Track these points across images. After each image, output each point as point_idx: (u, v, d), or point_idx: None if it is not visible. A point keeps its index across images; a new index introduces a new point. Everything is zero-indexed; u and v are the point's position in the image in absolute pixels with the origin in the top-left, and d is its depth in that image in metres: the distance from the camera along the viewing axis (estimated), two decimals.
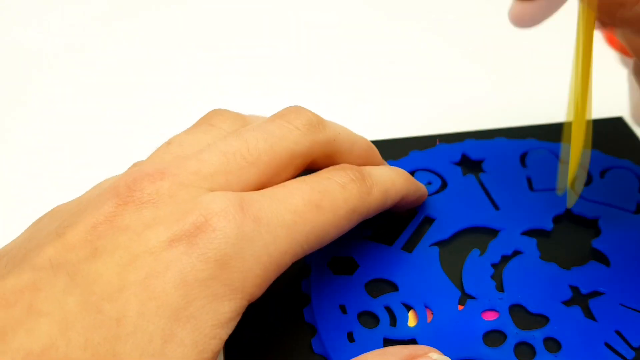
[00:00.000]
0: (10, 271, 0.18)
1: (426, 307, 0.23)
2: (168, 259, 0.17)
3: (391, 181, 0.23)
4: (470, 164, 0.29)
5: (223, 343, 0.18)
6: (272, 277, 0.19)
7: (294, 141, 0.22)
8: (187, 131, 0.23)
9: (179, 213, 0.18)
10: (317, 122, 0.22)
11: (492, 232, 0.26)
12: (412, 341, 0.22)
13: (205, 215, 0.18)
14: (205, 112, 0.36)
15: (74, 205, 0.21)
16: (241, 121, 0.23)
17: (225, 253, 0.18)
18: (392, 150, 0.28)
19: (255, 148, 0.21)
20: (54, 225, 0.19)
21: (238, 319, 0.18)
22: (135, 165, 0.22)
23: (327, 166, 0.23)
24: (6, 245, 0.20)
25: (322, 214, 0.20)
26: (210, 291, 0.17)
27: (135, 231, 0.18)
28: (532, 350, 0.22)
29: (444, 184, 0.28)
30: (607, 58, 0.38)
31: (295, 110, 0.23)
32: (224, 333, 0.18)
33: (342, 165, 0.22)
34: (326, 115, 0.35)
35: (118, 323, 0.17)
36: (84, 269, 0.17)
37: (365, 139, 0.25)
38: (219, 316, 0.18)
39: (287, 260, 0.19)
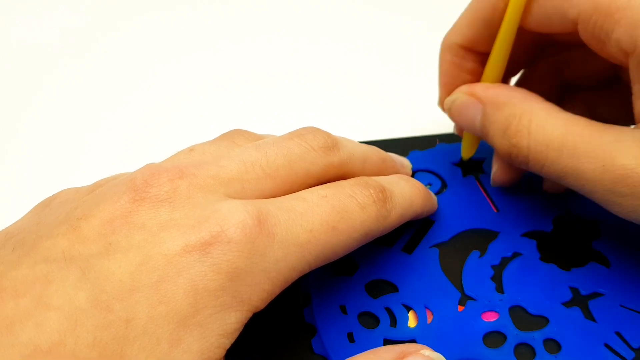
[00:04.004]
0: (22, 260, 0.17)
1: (426, 308, 0.23)
2: (181, 264, 0.17)
3: (410, 202, 0.24)
4: (470, 164, 0.29)
5: (225, 351, 0.18)
6: (278, 291, 0.19)
7: (311, 161, 0.22)
8: (210, 142, 0.23)
9: (195, 218, 0.18)
10: (333, 145, 0.23)
11: (492, 234, 0.26)
12: (412, 342, 0.22)
13: (222, 225, 0.18)
14: (206, 112, 0.36)
15: (85, 193, 0.21)
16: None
17: (237, 266, 0.18)
18: (392, 150, 0.28)
19: (274, 162, 0.21)
20: (65, 212, 0.19)
21: (241, 329, 0.18)
22: (148, 165, 0.22)
23: None
24: (11, 226, 0.20)
25: (335, 236, 0.20)
26: (218, 301, 0.18)
27: (150, 231, 0.18)
28: (532, 351, 0.22)
29: (444, 185, 0.28)
30: None
31: (312, 131, 0.23)
32: (228, 342, 0.18)
33: (366, 180, 0.22)
34: (327, 115, 0.36)
35: (127, 324, 0.17)
36: (96, 264, 0.17)
37: (378, 153, 0.25)
38: (225, 326, 0.18)
39: (294, 277, 0.20)
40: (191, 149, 0.22)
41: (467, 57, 0.25)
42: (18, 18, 0.44)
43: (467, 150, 0.28)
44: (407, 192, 0.24)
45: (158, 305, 0.17)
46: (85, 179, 0.26)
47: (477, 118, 0.24)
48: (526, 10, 0.23)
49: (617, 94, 0.26)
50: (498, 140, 0.23)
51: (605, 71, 0.26)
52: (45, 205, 0.21)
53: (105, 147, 0.34)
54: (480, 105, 0.24)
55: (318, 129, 0.23)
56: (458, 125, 0.27)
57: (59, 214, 0.19)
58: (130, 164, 0.30)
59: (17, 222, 0.21)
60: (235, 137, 0.23)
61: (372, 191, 0.22)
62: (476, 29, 0.24)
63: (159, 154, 0.30)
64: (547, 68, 0.27)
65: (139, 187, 0.19)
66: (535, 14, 0.22)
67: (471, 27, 0.25)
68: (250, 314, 0.18)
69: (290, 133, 0.23)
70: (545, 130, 0.22)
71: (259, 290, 0.18)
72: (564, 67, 0.27)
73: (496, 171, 0.27)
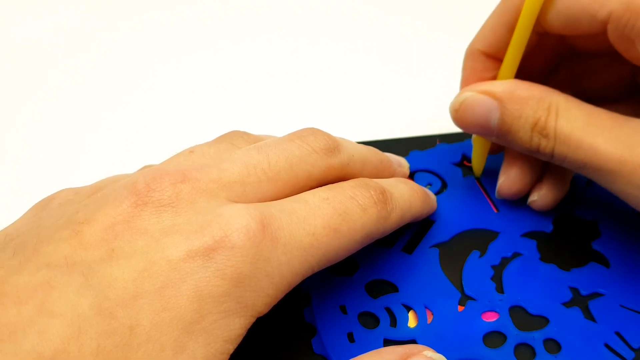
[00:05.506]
0: (23, 265, 0.17)
1: (426, 308, 0.23)
2: (185, 270, 0.17)
3: (409, 204, 0.24)
4: (470, 165, 0.29)
5: (229, 357, 0.18)
6: (281, 296, 0.19)
7: (312, 164, 0.22)
8: (210, 144, 0.23)
9: (198, 223, 0.18)
10: (334, 147, 0.22)
11: (492, 234, 0.26)
12: (412, 342, 0.22)
13: (226, 230, 0.18)
14: (206, 112, 0.36)
15: (85, 195, 0.20)
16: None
17: (241, 272, 0.18)
18: (392, 150, 0.28)
19: (276, 164, 0.21)
20: (66, 216, 0.19)
21: (245, 334, 0.18)
22: (147, 166, 0.22)
23: None
24: (9, 227, 0.20)
25: (338, 239, 0.20)
26: (223, 307, 0.17)
27: (153, 236, 0.18)
28: (532, 351, 0.22)
29: (444, 185, 0.28)
30: None
31: (313, 132, 0.23)
32: (232, 348, 0.18)
33: (366, 182, 0.22)
34: (327, 115, 0.36)
35: (131, 331, 0.16)
36: (99, 270, 0.17)
37: (376, 154, 0.25)
38: (229, 332, 0.18)
39: (297, 281, 0.19)
40: (191, 151, 0.22)
41: (490, 64, 0.25)
42: (18, 17, 0.44)
43: (478, 164, 0.28)
44: (406, 194, 0.24)
45: (162, 311, 0.17)
46: (84, 178, 0.26)
47: (494, 116, 0.23)
48: (553, 11, 0.22)
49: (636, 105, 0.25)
50: (524, 136, 0.23)
51: (624, 81, 0.25)
52: (44, 205, 0.21)
53: (105, 147, 0.34)
54: (496, 103, 0.23)
55: (318, 130, 0.23)
56: (466, 127, 0.25)
57: (60, 217, 0.19)
58: (130, 164, 0.30)
59: (15, 223, 0.21)
60: (235, 138, 0.23)
61: (372, 192, 0.22)
62: (499, 35, 0.24)
63: (158, 154, 0.30)
64: (566, 79, 0.26)
65: (140, 191, 0.19)
66: (562, 14, 0.22)
67: (494, 34, 0.24)
68: (253, 319, 0.18)
69: (290, 134, 0.23)
70: (568, 122, 0.22)
71: (263, 296, 0.18)
72: (582, 78, 0.26)
73: (503, 182, 0.26)
